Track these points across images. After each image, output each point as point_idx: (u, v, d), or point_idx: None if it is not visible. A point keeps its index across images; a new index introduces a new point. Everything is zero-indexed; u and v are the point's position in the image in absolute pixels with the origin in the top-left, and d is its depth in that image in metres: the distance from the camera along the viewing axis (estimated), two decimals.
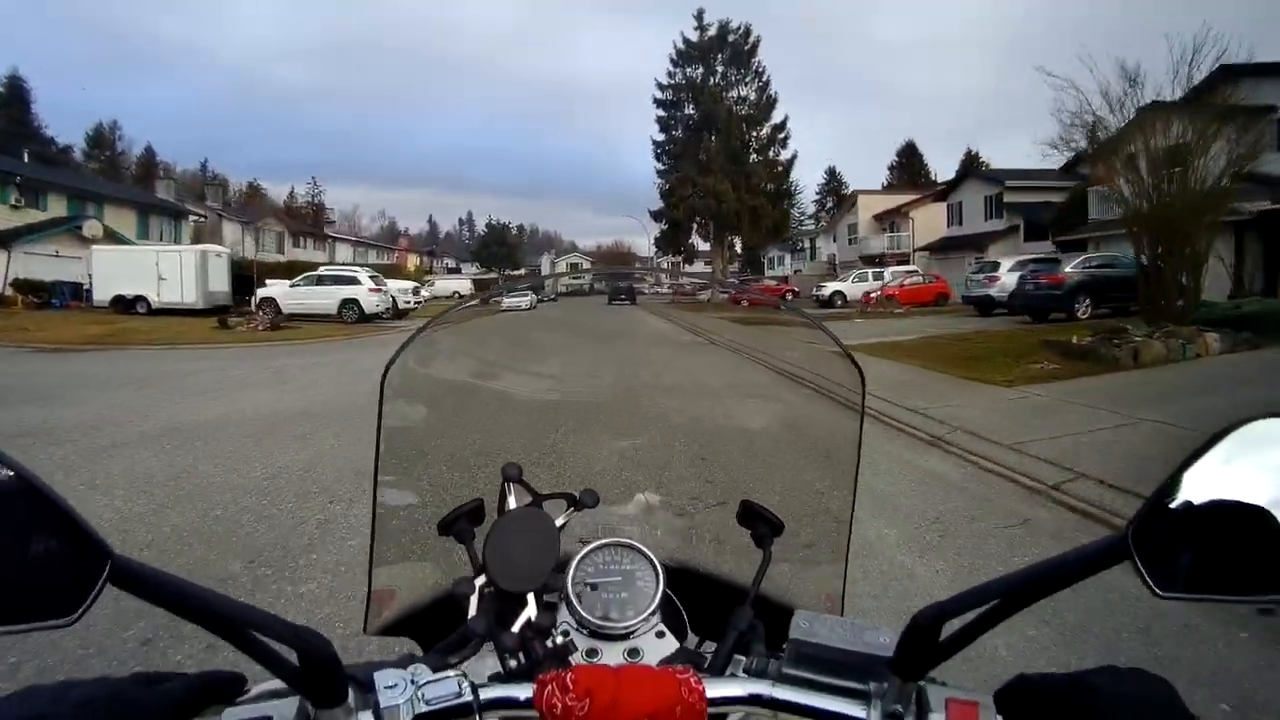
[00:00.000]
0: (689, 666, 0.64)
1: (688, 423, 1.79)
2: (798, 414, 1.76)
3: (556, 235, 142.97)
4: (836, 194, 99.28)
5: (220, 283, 30.76)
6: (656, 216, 48.94)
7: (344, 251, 68.76)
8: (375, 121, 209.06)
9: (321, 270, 31.22)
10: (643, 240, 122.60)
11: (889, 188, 61.18)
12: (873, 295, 36.41)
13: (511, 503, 0.92)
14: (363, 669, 0.61)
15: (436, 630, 0.79)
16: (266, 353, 18.24)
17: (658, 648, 0.81)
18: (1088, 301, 20.51)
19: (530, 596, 0.79)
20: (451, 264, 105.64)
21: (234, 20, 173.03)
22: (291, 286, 29.21)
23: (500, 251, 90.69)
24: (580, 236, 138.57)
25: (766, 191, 45.95)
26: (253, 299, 29.01)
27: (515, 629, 0.76)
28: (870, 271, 41.16)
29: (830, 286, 40.75)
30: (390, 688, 0.59)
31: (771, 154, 46.89)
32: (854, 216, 54.41)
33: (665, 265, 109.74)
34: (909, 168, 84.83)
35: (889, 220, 51.46)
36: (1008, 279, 25.15)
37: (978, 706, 0.57)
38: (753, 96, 46.98)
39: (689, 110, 47.44)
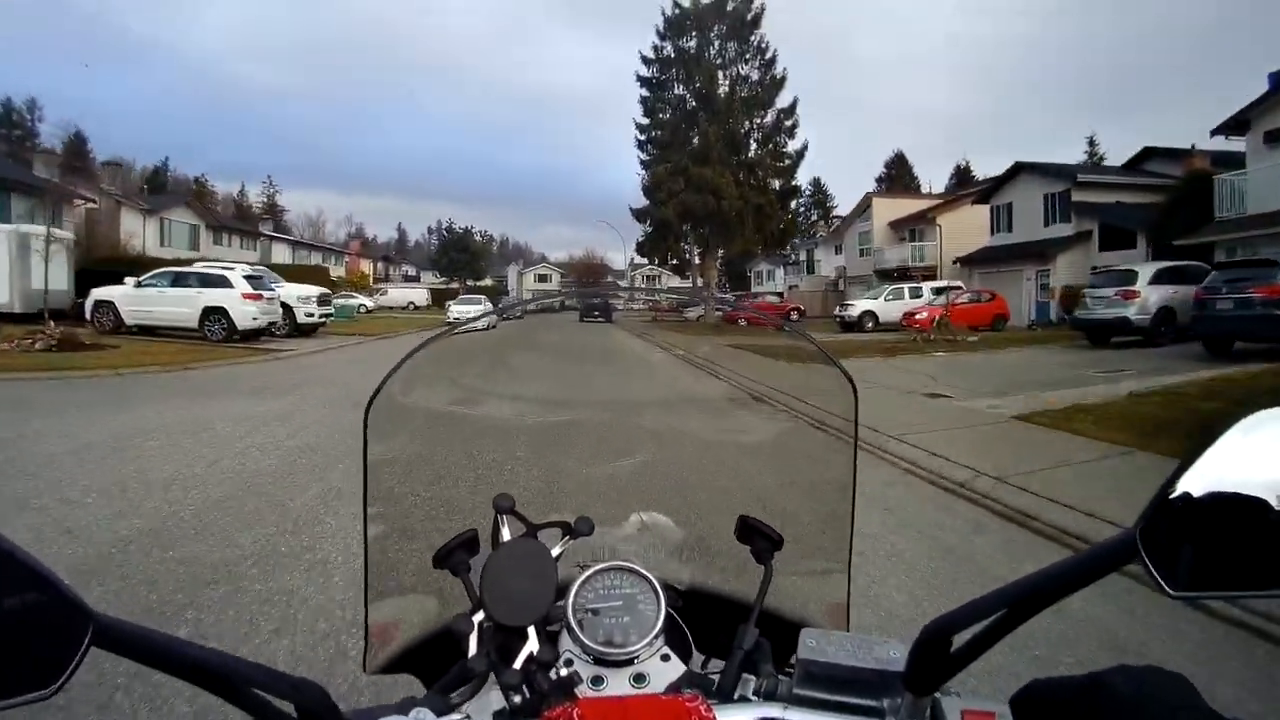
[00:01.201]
0: (698, 693, 0.63)
1: (680, 440, 1.67)
2: (793, 427, 1.63)
3: (527, 247, 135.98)
4: (823, 206, 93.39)
5: (56, 278, 22.20)
6: (639, 217, 40.95)
7: (282, 252, 60.19)
8: (344, 127, 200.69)
9: (181, 267, 22.94)
10: (618, 255, 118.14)
11: (907, 191, 53.00)
12: (919, 317, 28.86)
13: (505, 534, 0.88)
14: (363, 716, 0.60)
15: (437, 665, 0.79)
16: None
17: (664, 671, 0.80)
18: None
19: (531, 629, 0.77)
20: (411, 272, 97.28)
21: (201, 18, 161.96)
22: (138, 287, 20.95)
23: (462, 259, 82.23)
24: (552, 249, 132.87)
25: (770, 189, 38.18)
26: (88, 301, 21.16)
27: (518, 664, 0.74)
28: (906, 287, 33.57)
29: (859, 305, 33.18)
30: None
31: (777, 144, 39.14)
32: (866, 223, 46.94)
33: (646, 277, 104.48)
34: (898, 179, 78.58)
35: (909, 228, 44.14)
36: (1151, 294, 17.70)
37: (994, 717, 0.57)
38: (755, 76, 39.18)
39: (679, 90, 39.58)
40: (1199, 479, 0.48)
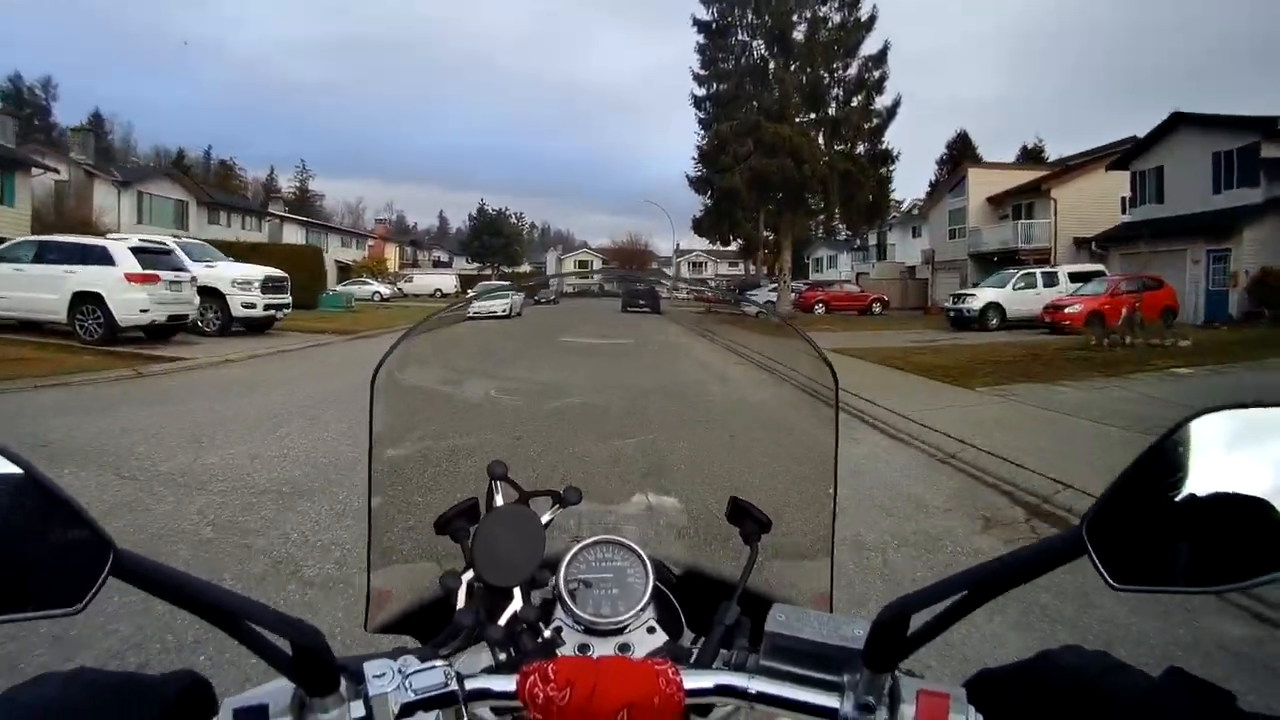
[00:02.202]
0: (668, 659, 0.66)
1: (677, 422, 1.65)
2: (782, 413, 1.63)
3: (569, 234, 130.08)
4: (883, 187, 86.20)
5: None
6: (698, 186, 34.21)
7: (293, 234, 54.71)
8: (387, 118, 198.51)
9: (56, 237, 16.62)
10: (663, 241, 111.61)
11: (1007, 163, 45.03)
12: (1070, 311, 22.10)
13: (499, 500, 0.92)
14: (354, 660, 0.62)
15: (434, 627, 0.81)
16: None
17: (648, 643, 0.83)
18: None
19: (517, 591, 0.80)
20: (443, 257, 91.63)
21: (247, 16, 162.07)
22: None
23: (495, 243, 76.07)
24: (594, 236, 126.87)
25: (857, 156, 31.36)
26: None
27: (502, 622, 0.77)
28: (1039, 273, 26.56)
29: (981, 295, 25.93)
30: (378, 677, 0.60)
31: (863, 100, 32.01)
32: (959, 199, 39.85)
33: (692, 264, 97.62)
34: (962, 162, 70.71)
35: (1012, 204, 37.07)
36: None
37: (949, 697, 0.59)
38: (836, 19, 31.94)
39: (743, 36, 32.60)
40: (1149, 478, 0.50)
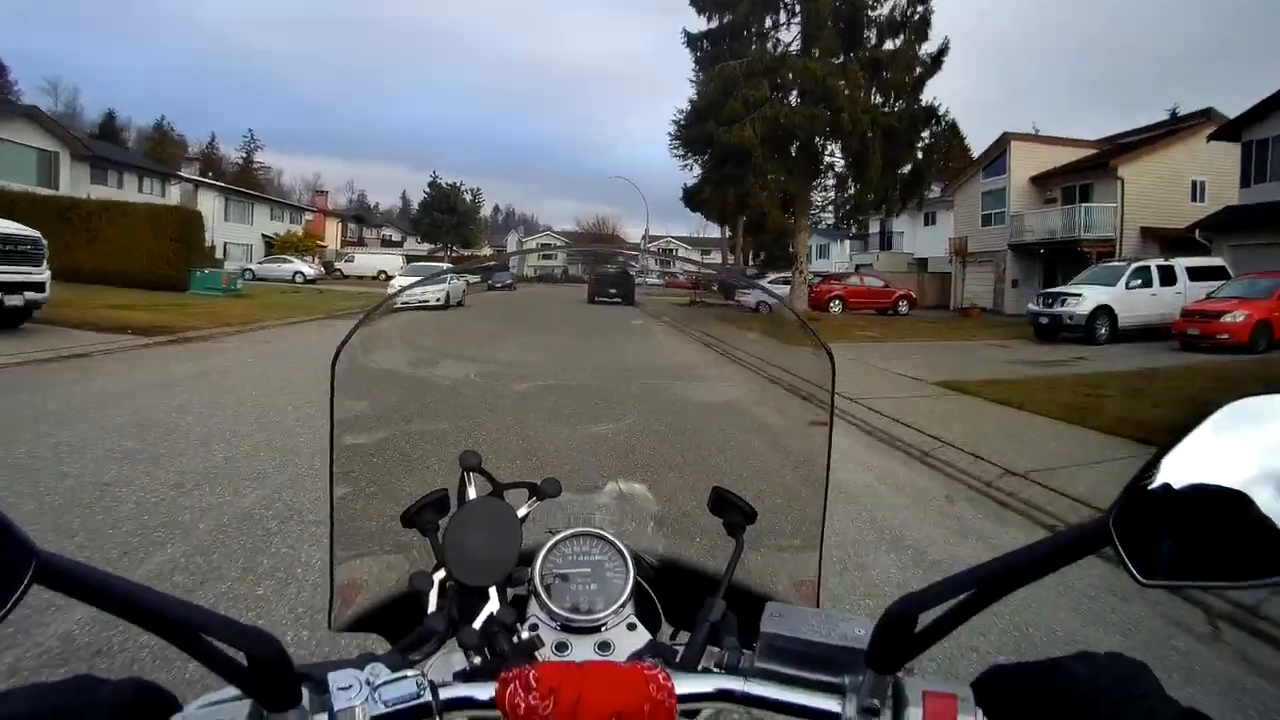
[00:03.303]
0: (657, 662, 0.64)
1: (658, 409, 1.63)
2: (770, 401, 1.60)
3: (534, 219, 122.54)
4: None
5: None
6: (692, 148, 27.22)
7: (209, 202, 46.86)
8: (349, 93, 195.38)
9: None
10: (633, 229, 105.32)
11: (1062, 139, 37.73)
12: (1231, 320, 15.69)
13: (471, 493, 0.88)
14: (317, 669, 0.59)
15: (403, 625, 0.77)
16: None
17: (629, 640, 0.79)
18: None
19: (493, 590, 0.78)
20: (394, 236, 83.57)
21: None
22: None
23: (448, 221, 67.95)
24: (560, 222, 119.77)
25: (897, 113, 24.32)
26: None
27: (477, 624, 0.74)
28: (1154, 267, 19.86)
29: (1090, 296, 18.83)
30: (344, 689, 0.57)
31: (905, 40, 24.61)
32: (996, 178, 33.34)
33: (661, 251, 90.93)
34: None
35: (1063, 185, 30.81)
36: None
37: (955, 698, 0.56)
38: None
39: None
40: (1175, 467, 0.48)
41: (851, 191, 25.32)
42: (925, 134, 25.27)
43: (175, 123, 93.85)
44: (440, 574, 0.79)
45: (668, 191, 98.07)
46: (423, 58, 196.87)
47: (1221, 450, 0.47)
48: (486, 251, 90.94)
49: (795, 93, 23.09)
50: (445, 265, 28.92)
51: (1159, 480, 0.49)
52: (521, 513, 0.87)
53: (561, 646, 0.77)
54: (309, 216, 62.67)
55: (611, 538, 0.88)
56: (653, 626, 0.84)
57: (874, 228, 48.75)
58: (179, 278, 22.97)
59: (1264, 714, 2.86)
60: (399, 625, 0.82)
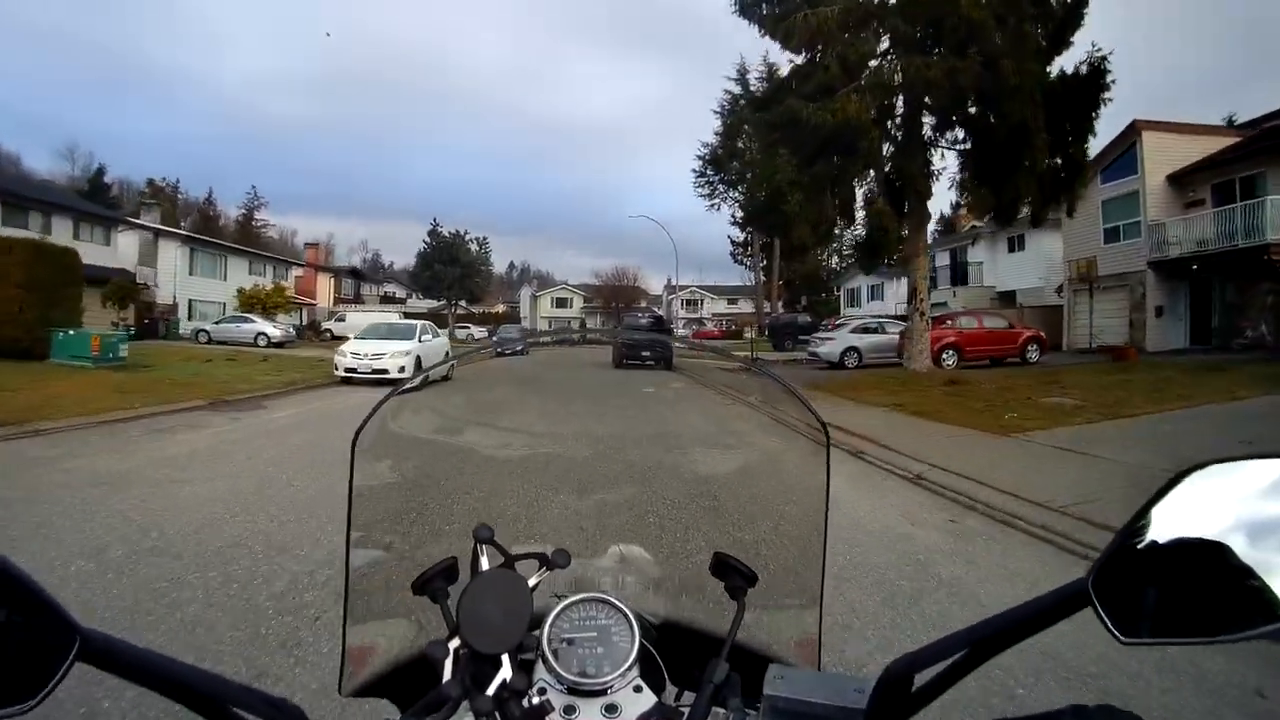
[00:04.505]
0: None
1: (659, 477, 1.69)
2: (768, 466, 1.69)
3: (549, 275, 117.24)
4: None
5: None
6: (759, 130, 20.14)
7: (170, 252, 40.55)
8: (363, 155, 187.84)
9: None
10: (654, 279, 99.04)
11: (1205, 127, 29.47)
12: None
13: (484, 564, 0.89)
14: None
15: (413, 690, 0.81)
16: None
17: (636, 703, 0.81)
18: None
19: (505, 657, 0.79)
20: (398, 293, 77.34)
21: (224, 50, 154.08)
22: None
23: (450, 274, 61.58)
24: (576, 277, 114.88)
25: (1061, 76, 16.99)
26: None
27: (490, 691, 0.75)
28: None
29: None
30: None
31: None
32: (1125, 181, 26.26)
33: (685, 303, 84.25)
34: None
35: (1216, 179, 23.94)
36: None
37: None
38: None
39: None
40: (1150, 530, 0.51)
41: (982, 192, 18.22)
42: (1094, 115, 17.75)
43: (181, 182, 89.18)
44: (455, 642, 0.79)
45: (685, 241, 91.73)
46: (436, 117, 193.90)
47: (1194, 513, 0.50)
48: (500, 309, 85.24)
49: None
50: (421, 324, 21.89)
51: (1137, 541, 0.51)
52: (532, 582, 0.87)
53: (570, 710, 0.78)
54: (298, 272, 56.47)
55: (616, 602, 0.89)
56: (657, 687, 0.86)
57: (942, 259, 41.82)
58: (35, 340, 16.35)
59: None
60: (408, 690, 0.83)
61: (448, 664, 0.78)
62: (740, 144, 70.82)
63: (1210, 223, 23.33)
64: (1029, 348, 23.58)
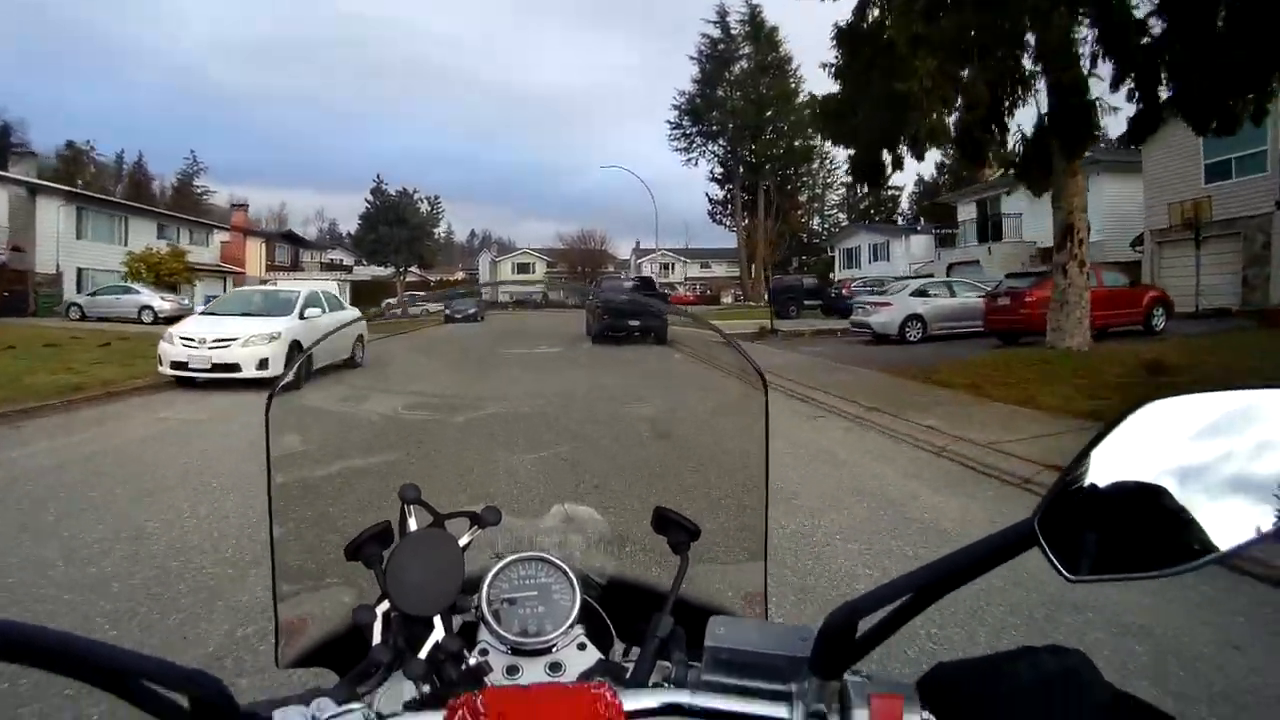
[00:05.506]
0: (605, 680, 0.66)
1: (601, 433, 1.60)
2: (708, 419, 1.64)
3: (511, 243, 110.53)
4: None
5: None
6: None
7: (50, 213, 33.54)
8: (322, 124, 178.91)
9: None
10: (624, 244, 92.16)
11: None
12: None
13: (413, 525, 0.85)
14: (263, 706, 0.59)
15: (353, 658, 0.77)
16: None
17: (579, 660, 0.80)
18: None
19: (438, 619, 0.76)
20: (344, 259, 69.93)
21: (177, 17, 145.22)
22: None
23: (397, 236, 54.11)
24: (540, 242, 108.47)
25: None
26: None
27: (423, 654, 0.73)
28: None
29: None
30: None
31: None
32: None
33: (661, 266, 77.99)
34: None
35: None
36: None
37: (901, 699, 0.57)
38: None
39: None
40: (1095, 469, 0.51)
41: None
42: None
43: (98, 143, 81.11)
44: (384, 606, 0.76)
45: (656, 207, 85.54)
46: (396, 87, 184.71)
47: (1137, 451, 0.51)
48: (460, 276, 78.70)
49: None
50: (308, 293, 14.86)
51: (1082, 480, 0.51)
52: (463, 541, 0.85)
53: (512, 670, 0.77)
54: (224, 237, 49.28)
55: (555, 560, 0.88)
56: (605, 645, 0.85)
57: (965, 210, 36.03)
58: None
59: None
60: (349, 659, 0.79)
61: (377, 628, 0.74)
62: (721, 92, 65.85)
63: None
64: (1154, 311, 17.94)
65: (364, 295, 47.24)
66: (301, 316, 13.15)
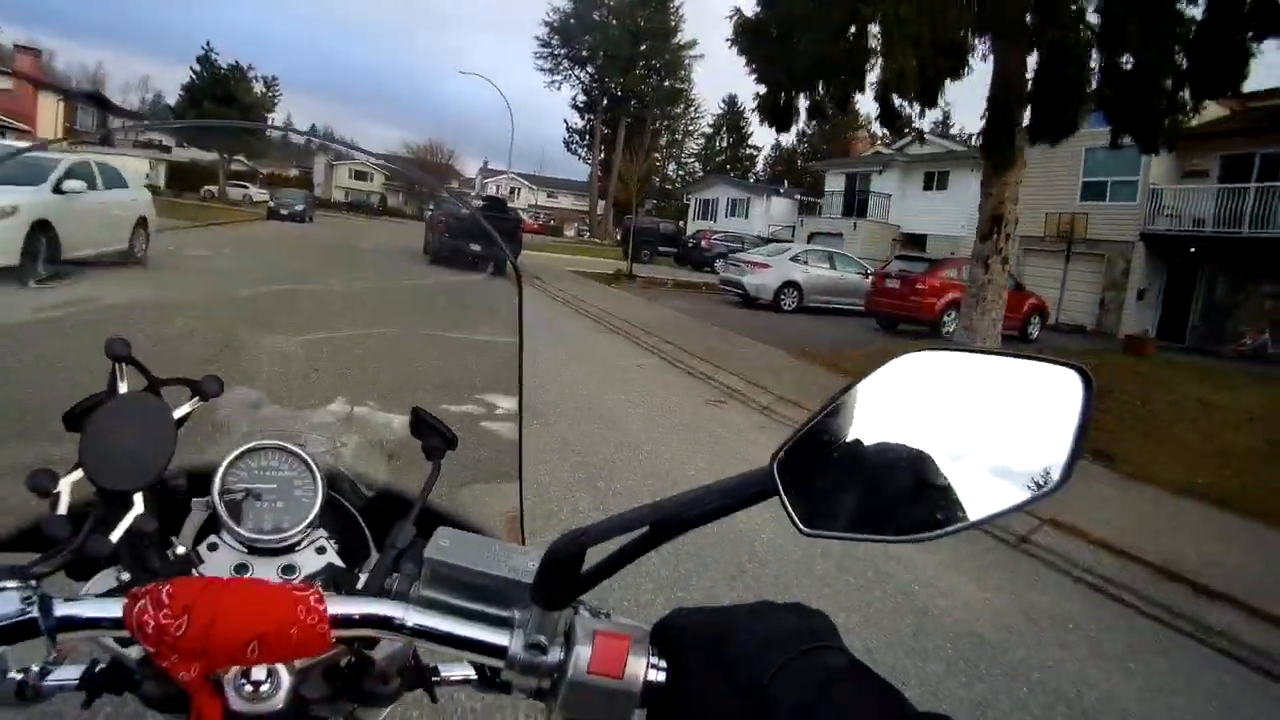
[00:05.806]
0: (315, 584, 0.61)
1: (357, 326, 1.52)
2: (469, 327, 1.59)
3: (355, 141, 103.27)
4: (738, 131, 72.37)
5: None
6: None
7: None
8: None
9: None
10: (472, 162, 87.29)
11: None
12: None
13: (122, 388, 0.77)
14: None
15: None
16: None
17: (315, 563, 0.75)
18: None
19: (138, 497, 0.69)
20: (163, 140, 61.97)
21: None
22: None
23: (223, 115, 47.79)
24: (387, 148, 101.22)
25: None
26: None
27: (116, 535, 0.65)
28: None
29: None
30: None
31: None
32: None
33: (511, 190, 74.55)
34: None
35: (1227, 151, 20.02)
36: None
37: (629, 640, 0.56)
38: None
39: None
40: (840, 421, 0.50)
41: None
42: None
43: None
44: (75, 475, 0.66)
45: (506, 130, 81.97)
46: None
47: (884, 403, 0.49)
48: (295, 174, 72.04)
49: None
50: (70, 162, 11.42)
51: (825, 431, 0.50)
52: (180, 413, 0.77)
53: (241, 568, 0.72)
54: (4, 84, 41.89)
55: (300, 451, 0.82)
56: (362, 556, 0.81)
57: (834, 182, 36.03)
58: None
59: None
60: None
61: (64, 501, 0.64)
62: (597, 16, 62.69)
63: (1210, 201, 19.53)
64: (1031, 319, 18.08)
65: (183, 179, 41.42)
66: (58, 190, 10.22)
